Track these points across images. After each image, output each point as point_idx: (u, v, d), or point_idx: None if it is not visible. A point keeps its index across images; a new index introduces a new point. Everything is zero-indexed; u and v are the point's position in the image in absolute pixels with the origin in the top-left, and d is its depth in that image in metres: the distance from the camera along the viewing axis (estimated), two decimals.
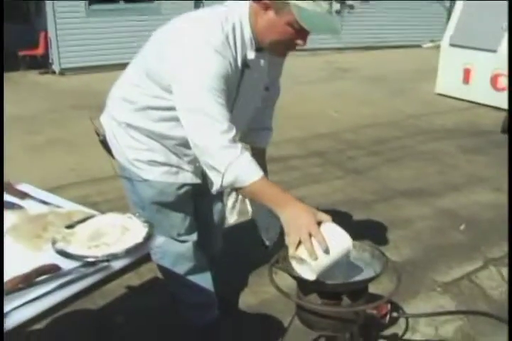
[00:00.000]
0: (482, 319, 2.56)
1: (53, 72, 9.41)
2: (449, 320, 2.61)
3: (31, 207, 1.77)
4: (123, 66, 2.11)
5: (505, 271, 3.05)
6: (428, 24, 12.00)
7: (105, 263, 1.40)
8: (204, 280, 2.32)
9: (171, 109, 1.75)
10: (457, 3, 7.26)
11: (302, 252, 1.53)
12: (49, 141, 5.50)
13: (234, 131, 1.64)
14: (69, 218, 1.65)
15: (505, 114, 5.84)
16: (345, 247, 1.58)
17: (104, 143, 2.08)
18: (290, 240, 1.55)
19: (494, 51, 6.63)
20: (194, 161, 1.95)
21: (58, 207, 1.77)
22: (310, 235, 1.51)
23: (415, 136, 5.73)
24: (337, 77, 9.07)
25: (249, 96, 1.91)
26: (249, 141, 2.21)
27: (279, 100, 2.28)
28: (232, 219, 2.20)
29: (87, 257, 1.41)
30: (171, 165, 1.99)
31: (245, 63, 1.77)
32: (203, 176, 1.99)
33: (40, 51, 9.66)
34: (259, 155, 2.22)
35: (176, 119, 1.75)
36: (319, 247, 1.51)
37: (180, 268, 2.25)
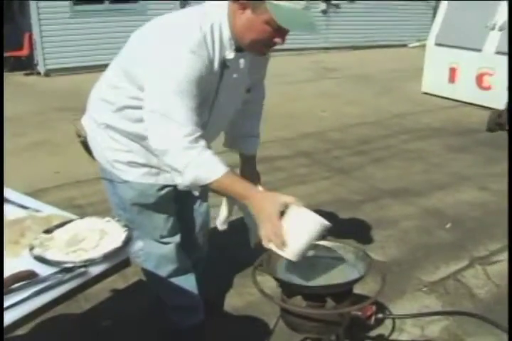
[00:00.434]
0: (468, 319, 2.56)
1: (38, 74, 9.34)
2: (435, 320, 2.61)
3: (9, 211, 1.74)
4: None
5: (490, 269, 3.06)
6: (414, 23, 12.05)
7: (83, 269, 1.37)
8: (188, 282, 2.30)
9: None
10: (442, 2, 7.30)
11: (273, 245, 1.61)
12: (34, 143, 5.46)
13: (197, 134, 1.65)
14: (48, 222, 1.62)
15: (490, 112, 5.87)
16: (311, 227, 1.62)
17: (85, 145, 2.07)
18: (262, 232, 1.61)
19: (479, 50, 6.66)
20: None
21: (37, 211, 1.74)
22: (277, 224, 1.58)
23: (401, 135, 5.74)
24: (324, 76, 9.08)
25: (228, 98, 1.90)
26: (237, 149, 2.22)
27: (264, 100, 2.26)
28: (222, 227, 2.18)
29: (64, 263, 1.39)
30: (151, 167, 1.98)
31: (224, 64, 1.76)
32: None
33: (24, 52, 9.58)
34: (249, 163, 2.24)
35: None
36: (288, 233, 1.58)
37: (164, 270, 2.23)
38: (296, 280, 1.81)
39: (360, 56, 10.95)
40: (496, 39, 6.49)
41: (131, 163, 1.97)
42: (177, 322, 2.38)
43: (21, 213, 1.72)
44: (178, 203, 2.18)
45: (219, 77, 1.79)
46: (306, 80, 8.56)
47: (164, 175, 1.98)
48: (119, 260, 1.45)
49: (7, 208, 1.76)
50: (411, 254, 3.24)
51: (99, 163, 2.06)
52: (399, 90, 7.85)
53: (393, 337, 2.49)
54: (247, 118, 2.17)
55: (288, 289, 1.83)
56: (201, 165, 1.63)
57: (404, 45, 11.87)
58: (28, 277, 1.33)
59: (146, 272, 2.33)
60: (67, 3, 8.92)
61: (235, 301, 2.76)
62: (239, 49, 1.77)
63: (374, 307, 2.08)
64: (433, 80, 7.37)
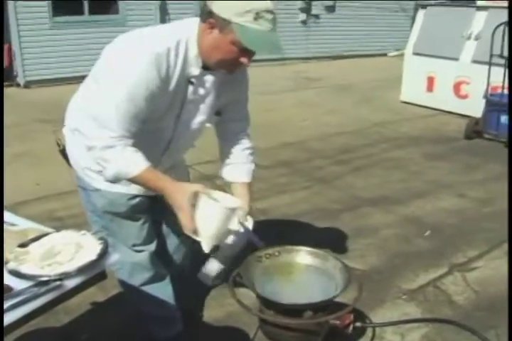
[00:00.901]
0: (447, 326, 2.59)
1: (18, 85, 9.26)
2: (414, 328, 2.63)
3: None
4: None
5: (469, 276, 3.10)
6: (393, 33, 12.17)
7: (58, 282, 1.37)
8: (164, 291, 2.30)
9: None
10: (419, 12, 7.39)
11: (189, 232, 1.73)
12: (14, 154, 5.40)
13: (124, 140, 1.73)
14: (24, 236, 1.62)
15: (468, 120, 5.95)
16: (217, 212, 1.73)
17: (64, 153, 2.10)
18: (181, 222, 1.73)
19: (456, 59, 6.75)
20: None
21: (13, 224, 1.74)
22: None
23: (381, 143, 5.79)
24: (304, 86, 9.13)
25: (193, 115, 1.93)
26: (230, 176, 2.16)
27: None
28: (213, 283, 2.18)
29: (39, 276, 1.38)
30: None
31: (188, 80, 1.80)
32: None
33: (4, 64, 9.51)
34: (243, 191, 2.13)
35: None
36: (199, 221, 1.71)
37: (138, 278, 2.24)
38: (273, 293, 1.81)
39: (341, 66, 11.03)
40: (472, 48, 6.59)
41: (101, 172, 1.96)
42: (154, 334, 2.37)
43: None
44: (156, 212, 2.18)
45: (183, 93, 1.82)
46: (286, 90, 8.60)
47: (136, 186, 1.97)
48: (94, 273, 1.45)
49: None
50: (391, 262, 3.27)
51: (75, 171, 2.09)
52: (378, 99, 7.92)
53: None
54: (236, 146, 2.14)
55: (264, 301, 1.84)
56: (123, 160, 1.72)
57: (385, 54, 11.99)
58: (3, 291, 1.33)
59: (121, 282, 2.32)
60: (46, 14, 8.88)
61: (214, 312, 2.75)
62: (206, 67, 1.80)
63: (352, 316, 2.10)
64: (411, 89, 7.44)
